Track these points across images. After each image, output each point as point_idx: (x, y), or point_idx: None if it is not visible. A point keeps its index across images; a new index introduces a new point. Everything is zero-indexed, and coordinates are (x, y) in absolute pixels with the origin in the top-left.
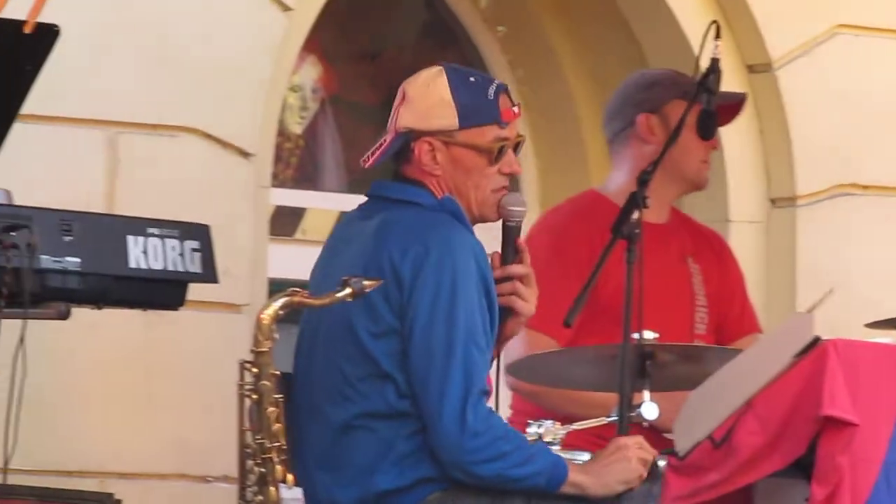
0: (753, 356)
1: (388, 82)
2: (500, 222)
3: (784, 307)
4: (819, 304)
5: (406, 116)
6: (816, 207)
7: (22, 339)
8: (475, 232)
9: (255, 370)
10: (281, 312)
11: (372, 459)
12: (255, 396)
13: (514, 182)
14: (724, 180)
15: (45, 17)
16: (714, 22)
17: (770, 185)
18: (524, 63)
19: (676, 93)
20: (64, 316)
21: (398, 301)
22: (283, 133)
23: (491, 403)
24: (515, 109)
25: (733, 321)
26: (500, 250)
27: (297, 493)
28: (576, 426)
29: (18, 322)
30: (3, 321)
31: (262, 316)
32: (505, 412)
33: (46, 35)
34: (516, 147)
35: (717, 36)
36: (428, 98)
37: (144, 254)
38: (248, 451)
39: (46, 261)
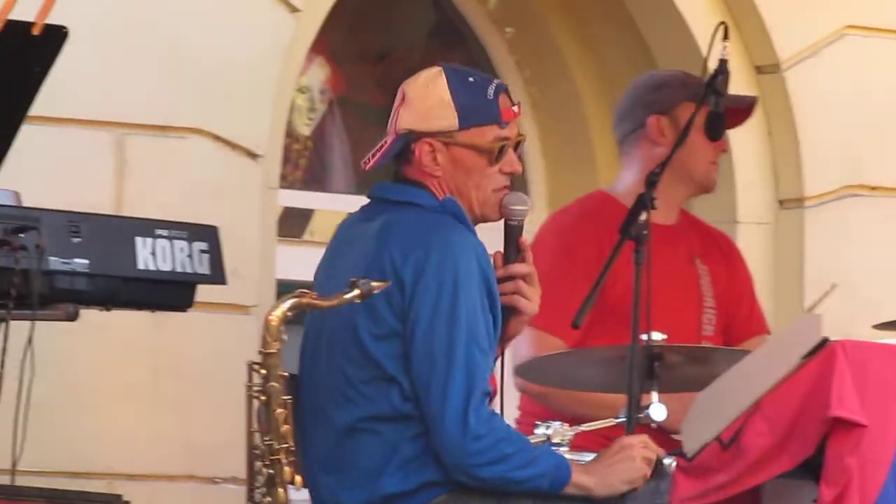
0: (761, 357)
1: (396, 83)
2: (502, 222)
3: (792, 308)
4: (821, 301)
5: (406, 118)
6: (824, 208)
7: (30, 341)
8: (477, 232)
9: (263, 371)
10: (289, 314)
11: (377, 462)
12: (263, 398)
13: (521, 182)
14: (732, 181)
15: (54, 19)
16: (722, 23)
17: (778, 186)
18: (532, 63)
19: (686, 95)
20: (72, 317)
21: (400, 303)
22: (291, 134)
23: (496, 403)
24: (515, 109)
25: (741, 322)
26: (502, 250)
27: (306, 494)
28: (584, 427)
29: (27, 323)
30: (12, 322)
31: (270, 317)
32: (510, 412)
33: (55, 36)
34: (517, 146)
35: (726, 37)
36: (427, 99)
37: (153, 255)
38: (257, 452)
39: (55, 262)
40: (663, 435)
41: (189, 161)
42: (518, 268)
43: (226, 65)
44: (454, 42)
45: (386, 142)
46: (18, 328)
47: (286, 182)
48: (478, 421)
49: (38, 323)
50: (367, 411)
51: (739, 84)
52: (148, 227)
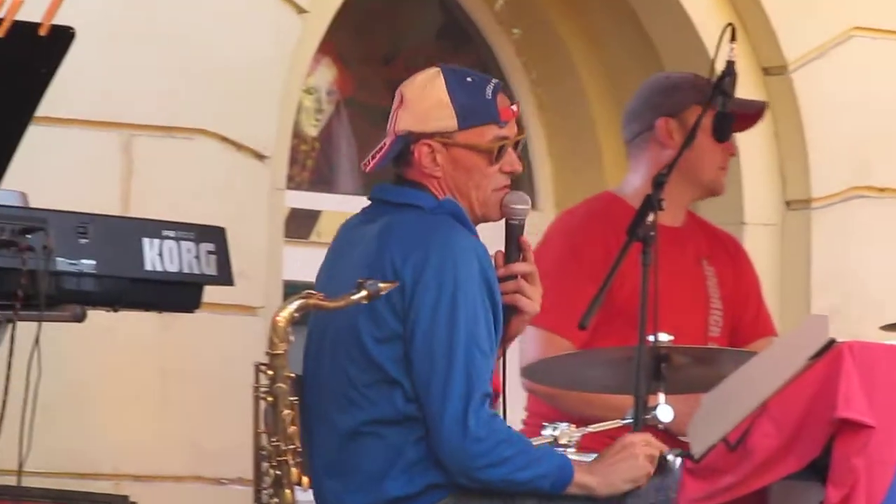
0: (768, 358)
1: None
2: (503, 221)
3: (799, 309)
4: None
5: (405, 119)
6: (831, 210)
7: (37, 341)
8: (479, 231)
9: (270, 372)
10: (296, 315)
11: (381, 466)
12: (270, 399)
13: (528, 182)
14: (739, 183)
15: (60, 20)
16: (729, 24)
17: (785, 187)
18: (538, 64)
19: (697, 98)
20: (79, 318)
21: (400, 305)
22: (298, 135)
23: (499, 402)
24: (514, 108)
25: (748, 324)
26: (503, 249)
27: (310, 495)
28: (591, 429)
29: (34, 324)
30: (19, 323)
31: (277, 318)
32: (516, 413)
33: (61, 37)
34: (516, 145)
35: (733, 38)
36: (426, 100)
37: (160, 256)
38: (264, 453)
39: (62, 263)
40: (670, 436)
41: (196, 162)
42: (519, 267)
43: (233, 66)
44: (461, 43)
45: (385, 143)
46: (25, 329)
47: (293, 183)
48: (477, 423)
49: (45, 324)
50: (370, 415)
51: (746, 85)
52: (155, 228)
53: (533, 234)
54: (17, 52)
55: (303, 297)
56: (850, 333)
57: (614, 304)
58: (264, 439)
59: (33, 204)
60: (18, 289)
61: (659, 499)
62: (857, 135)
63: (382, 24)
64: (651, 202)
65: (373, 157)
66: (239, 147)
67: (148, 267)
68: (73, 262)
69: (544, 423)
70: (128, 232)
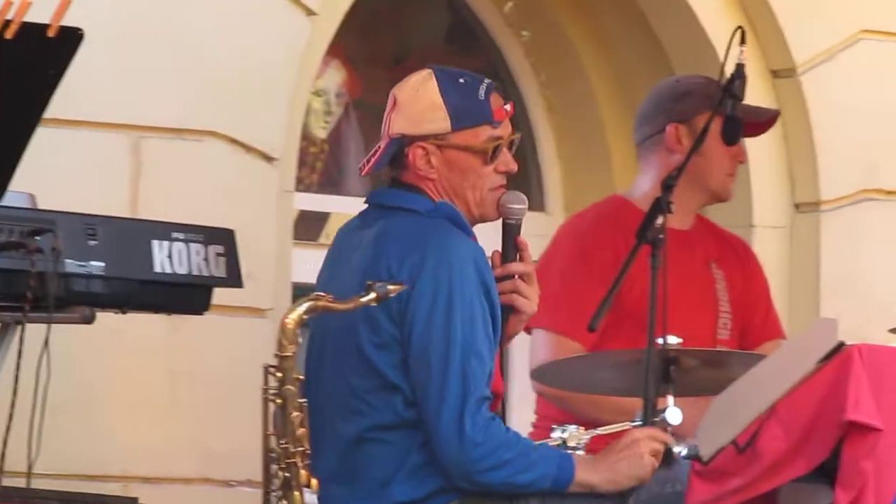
0: (777, 361)
1: None
2: (500, 221)
3: (808, 312)
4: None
5: (398, 122)
6: (840, 213)
7: (46, 343)
8: (476, 232)
9: (279, 374)
10: (305, 317)
11: (387, 472)
12: (279, 401)
13: (538, 184)
14: (747, 185)
15: (69, 21)
16: (739, 27)
17: (794, 190)
18: (547, 67)
19: (708, 105)
20: (88, 320)
21: (397, 310)
22: (307, 137)
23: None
24: (507, 108)
25: (757, 327)
26: (500, 249)
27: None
28: (600, 431)
29: (43, 326)
30: (28, 325)
31: (286, 320)
32: (523, 415)
33: (70, 39)
34: (511, 145)
35: (742, 41)
36: (418, 102)
37: (169, 258)
38: (273, 455)
39: (71, 265)
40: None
41: (205, 164)
42: (516, 266)
43: (242, 68)
44: (470, 45)
45: (380, 147)
46: (34, 331)
47: (302, 185)
48: (474, 427)
49: (53, 326)
50: (373, 421)
51: (755, 88)
52: (164, 229)
53: (542, 237)
54: (25, 53)
55: (312, 300)
56: (858, 336)
57: (623, 307)
58: (273, 441)
59: (42, 205)
60: (27, 291)
61: (665, 490)
62: (865, 137)
63: (391, 27)
64: (660, 205)
65: (368, 161)
66: (248, 149)
67: (157, 269)
68: (81, 263)
69: (553, 426)
70: (137, 234)
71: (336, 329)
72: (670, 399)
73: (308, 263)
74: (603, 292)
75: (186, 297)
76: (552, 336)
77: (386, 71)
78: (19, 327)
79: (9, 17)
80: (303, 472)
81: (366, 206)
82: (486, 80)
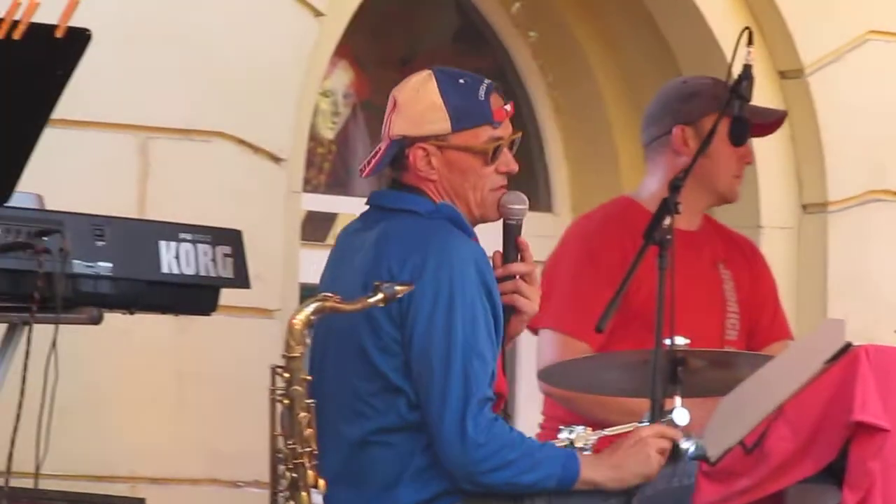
0: (784, 362)
1: None
2: (501, 222)
3: (815, 313)
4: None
5: (398, 124)
6: (848, 213)
7: (54, 344)
8: (479, 232)
9: (286, 375)
10: (313, 318)
11: (392, 474)
12: (286, 401)
13: (545, 185)
14: (755, 186)
15: (77, 22)
16: (746, 28)
17: (801, 191)
18: (555, 67)
19: (715, 107)
20: (96, 321)
21: (398, 312)
22: (314, 138)
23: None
24: (507, 108)
25: (764, 328)
26: (501, 249)
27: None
28: (607, 432)
29: (50, 327)
30: (36, 326)
31: (293, 321)
32: (530, 416)
33: (78, 39)
34: (512, 145)
35: (750, 42)
36: (418, 103)
37: (176, 259)
38: (280, 456)
39: (78, 265)
40: None
41: (213, 165)
42: (517, 267)
43: (250, 68)
44: (477, 46)
45: (380, 148)
46: (42, 331)
47: (310, 186)
48: (476, 429)
49: (61, 326)
50: (377, 424)
51: (763, 89)
52: (172, 230)
53: (549, 238)
54: (33, 54)
55: (319, 300)
56: (866, 337)
57: (631, 308)
58: (280, 442)
59: (50, 206)
60: (35, 291)
61: (671, 485)
62: (873, 138)
63: (399, 28)
64: (667, 206)
65: (368, 163)
66: (256, 150)
67: (164, 269)
68: (89, 264)
69: (560, 427)
70: (144, 234)
71: (338, 331)
72: (678, 400)
73: (315, 264)
74: (610, 293)
75: (194, 297)
76: (559, 336)
77: (394, 72)
78: (27, 328)
79: (17, 17)
80: (310, 473)
81: (367, 207)
82: (486, 81)
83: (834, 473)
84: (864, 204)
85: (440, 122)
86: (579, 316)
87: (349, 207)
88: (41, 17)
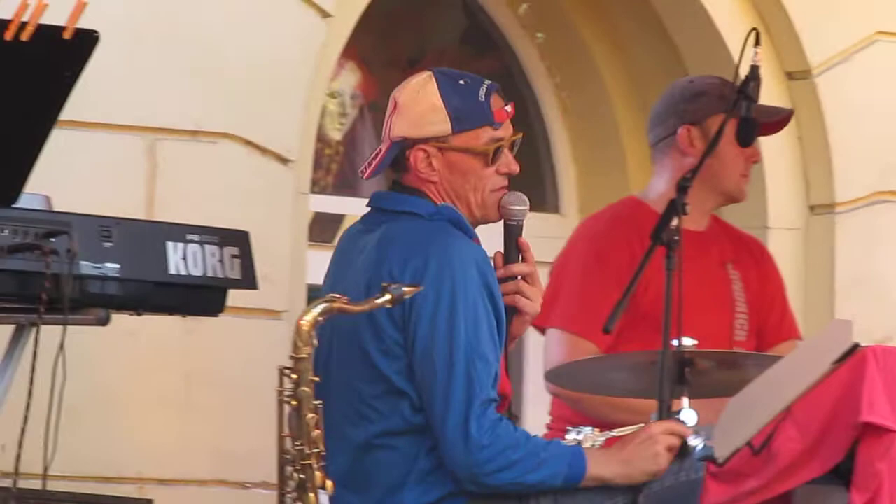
0: (792, 363)
1: None
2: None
3: (822, 314)
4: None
5: (399, 125)
6: (855, 214)
7: (61, 345)
8: (478, 232)
9: (294, 376)
10: (320, 319)
11: (397, 477)
12: (294, 402)
13: (553, 186)
14: (762, 187)
15: (84, 23)
16: (754, 29)
17: (809, 191)
18: (562, 69)
19: (721, 107)
20: (103, 322)
21: (400, 315)
22: (322, 139)
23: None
24: (508, 108)
25: (773, 327)
26: (502, 250)
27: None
28: (615, 433)
29: (58, 328)
30: (43, 327)
31: (301, 322)
32: (537, 416)
33: (85, 41)
34: (513, 146)
35: (757, 43)
36: (419, 105)
37: (184, 260)
38: (288, 457)
39: (86, 267)
40: None
41: (220, 166)
42: (518, 267)
43: (257, 69)
44: (485, 48)
45: (381, 150)
46: (49, 332)
47: (317, 187)
48: (479, 430)
49: (69, 328)
50: (381, 427)
51: (770, 90)
52: (179, 231)
53: (557, 239)
54: (41, 55)
55: (327, 301)
56: (873, 338)
57: (639, 309)
58: (288, 443)
59: (57, 207)
60: (42, 292)
61: (679, 480)
62: (881, 139)
63: (406, 29)
64: (675, 207)
65: (369, 164)
66: (263, 151)
67: (172, 271)
68: (97, 265)
69: (568, 427)
70: (152, 235)
71: (341, 333)
72: (685, 401)
73: (323, 265)
74: (618, 293)
75: (201, 298)
76: (567, 336)
77: (401, 73)
78: (34, 329)
79: (25, 19)
80: (318, 474)
81: (368, 209)
82: (487, 82)
83: (842, 474)
84: (872, 205)
85: (440, 123)
86: (587, 316)
87: (357, 209)
88: (49, 19)
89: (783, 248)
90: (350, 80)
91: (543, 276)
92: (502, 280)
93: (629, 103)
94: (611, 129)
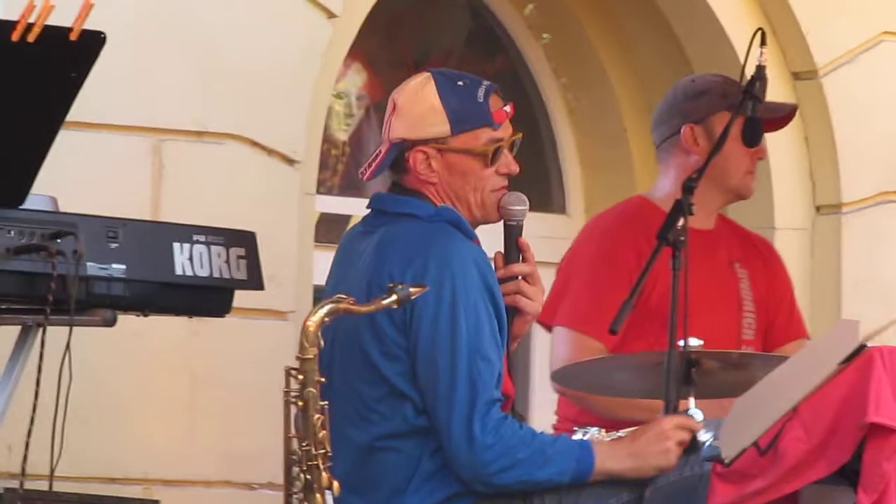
0: (799, 363)
1: None
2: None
3: (829, 314)
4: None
5: (398, 127)
6: (861, 214)
7: (68, 346)
8: (478, 233)
9: (300, 377)
10: (326, 319)
11: (401, 480)
12: (300, 403)
13: (559, 187)
14: (769, 187)
15: (91, 24)
16: (759, 29)
17: (815, 192)
18: (568, 70)
19: (724, 105)
20: (110, 323)
21: (401, 318)
22: (328, 140)
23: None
24: (507, 109)
25: (781, 327)
26: (502, 250)
27: None
28: (622, 433)
29: (64, 329)
30: (49, 328)
31: (307, 323)
32: (544, 416)
33: (92, 42)
34: (512, 146)
35: (763, 43)
36: (418, 106)
37: (190, 261)
38: (294, 457)
39: (92, 268)
40: None
41: (226, 166)
42: (519, 267)
43: (263, 70)
44: (490, 48)
45: (380, 152)
46: (56, 333)
47: (323, 188)
48: (483, 430)
49: (75, 328)
50: (383, 429)
51: (776, 90)
52: (185, 232)
53: (563, 240)
54: (48, 56)
55: (333, 302)
56: (880, 338)
57: (645, 308)
58: (295, 444)
59: (63, 208)
60: (49, 293)
61: (684, 474)
62: (887, 139)
63: (412, 29)
64: (681, 206)
65: (369, 166)
66: (269, 152)
67: (178, 271)
68: (103, 266)
69: (574, 428)
70: (158, 236)
71: (342, 335)
72: (692, 401)
73: (329, 266)
74: (625, 292)
75: (208, 299)
76: (573, 334)
77: (407, 73)
78: (41, 330)
79: (31, 20)
80: (324, 475)
81: (368, 210)
82: (486, 82)
83: (848, 475)
84: (878, 205)
85: (439, 124)
86: (594, 314)
87: (363, 209)
88: (55, 20)
89: (790, 248)
90: (356, 80)
91: (548, 277)
92: (503, 280)
93: (635, 104)
94: (617, 130)
